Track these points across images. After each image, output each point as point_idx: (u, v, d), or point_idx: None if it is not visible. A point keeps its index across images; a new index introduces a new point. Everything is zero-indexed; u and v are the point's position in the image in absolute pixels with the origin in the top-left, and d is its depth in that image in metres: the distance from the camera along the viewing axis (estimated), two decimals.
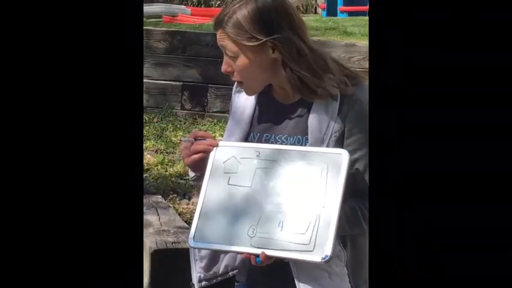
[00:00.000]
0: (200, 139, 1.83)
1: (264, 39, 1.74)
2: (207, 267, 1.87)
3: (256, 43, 1.74)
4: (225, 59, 1.80)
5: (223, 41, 1.78)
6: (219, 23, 1.77)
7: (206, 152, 1.81)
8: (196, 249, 1.85)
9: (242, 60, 1.77)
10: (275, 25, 1.75)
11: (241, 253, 1.74)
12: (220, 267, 1.88)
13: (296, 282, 1.75)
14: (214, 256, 1.87)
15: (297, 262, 1.73)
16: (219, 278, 1.88)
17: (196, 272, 1.87)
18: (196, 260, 1.87)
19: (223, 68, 1.82)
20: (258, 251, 1.69)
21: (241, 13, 1.74)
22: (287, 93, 1.82)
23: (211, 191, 1.79)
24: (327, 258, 1.64)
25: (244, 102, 1.89)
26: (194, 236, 1.77)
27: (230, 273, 1.89)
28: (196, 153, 1.81)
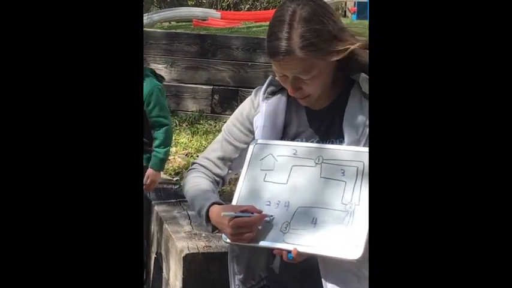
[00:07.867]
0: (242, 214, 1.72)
1: (348, 45, 1.70)
2: (244, 280, 1.87)
3: (340, 50, 1.70)
4: (290, 83, 1.74)
5: (294, 67, 1.70)
6: (288, 52, 1.68)
7: (249, 228, 1.71)
8: (235, 264, 1.87)
9: (318, 74, 1.72)
10: (334, 27, 1.71)
11: (274, 249, 1.72)
12: (255, 277, 1.87)
13: (324, 283, 1.73)
14: (251, 270, 1.87)
15: (326, 264, 1.72)
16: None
17: (235, 284, 1.88)
18: (236, 274, 1.87)
19: (294, 93, 1.75)
20: (291, 247, 1.67)
21: (306, 31, 1.67)
22: (319, 97, 1.80)
23: (247, 188, 1.79)
24: (359, 257, 1.62)
25: (274, 110, 1.86)
26: None
27: (262, 282, 1.88)
28: (235, 228, 1.72)
